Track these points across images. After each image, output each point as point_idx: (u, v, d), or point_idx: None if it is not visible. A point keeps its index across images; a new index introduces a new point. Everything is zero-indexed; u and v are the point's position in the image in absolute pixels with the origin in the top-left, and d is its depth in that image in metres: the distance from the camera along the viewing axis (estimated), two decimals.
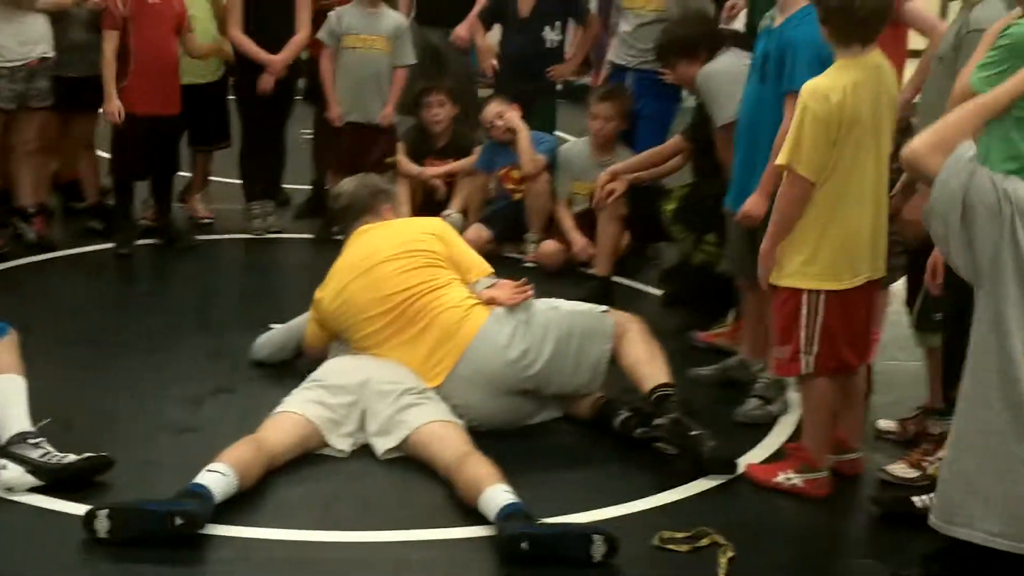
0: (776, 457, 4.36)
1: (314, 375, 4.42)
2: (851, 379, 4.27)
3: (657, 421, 4.25)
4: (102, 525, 3.51)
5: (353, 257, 4.70)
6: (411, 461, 4.16)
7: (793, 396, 4.85)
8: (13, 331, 4.10)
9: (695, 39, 5.58)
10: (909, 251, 4.40)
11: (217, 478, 3.70)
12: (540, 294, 4.66)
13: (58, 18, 6.33)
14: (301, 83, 7.47)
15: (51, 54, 6.26)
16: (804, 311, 4.00)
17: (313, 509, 3.84)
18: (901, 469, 4.24)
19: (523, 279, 4.63)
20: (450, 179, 7.28)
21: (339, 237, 5.10)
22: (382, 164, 6.94)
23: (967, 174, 2.38)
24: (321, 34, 6.80)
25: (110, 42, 6.24)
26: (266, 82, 6.73)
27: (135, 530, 3.51)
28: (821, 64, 4.37)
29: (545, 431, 4.57)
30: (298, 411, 4.18)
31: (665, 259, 6.89)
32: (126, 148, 6.38)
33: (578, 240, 6.70)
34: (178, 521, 3.51)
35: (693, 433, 4.18)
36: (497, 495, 3.71)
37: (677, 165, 6.37)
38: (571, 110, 8.57)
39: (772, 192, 4.49)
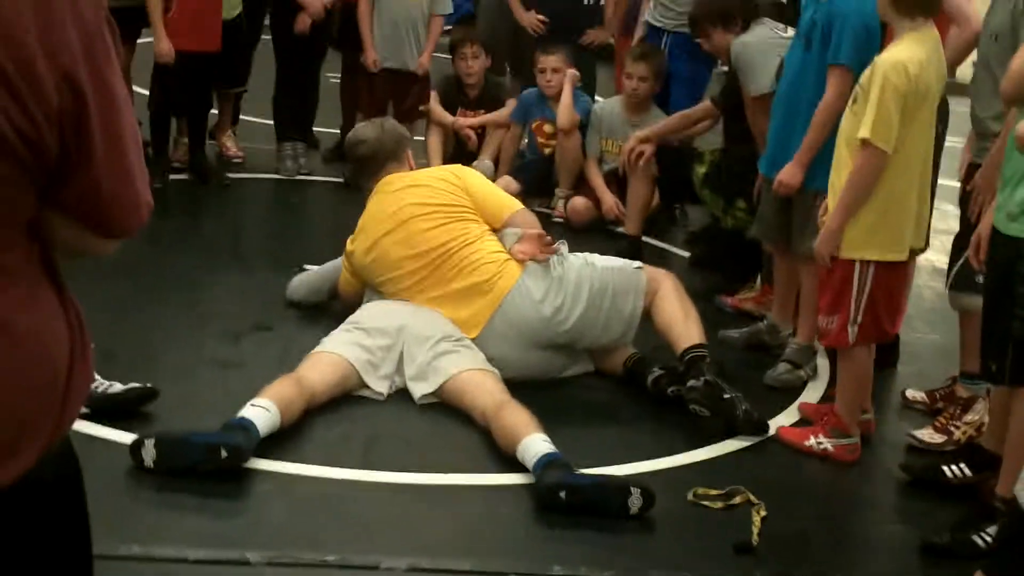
0: (801, 423, 4.42)
1: (353, 317, 4.47)
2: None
3: (691, 383, 4.29)
4: (148, 454, 3.56)
5: (383, 211, 4.70)
6: (447, 406, 4.21)
7: (822, 362, 4.91)
8: None
9: (730, 9, 5.58)
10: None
11: (261, 413, 3.75)
12: (570, 250, 4.69)
13: None
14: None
15: None
16: (856, 282, 4.04)
17: (354, 448, 3.89)
18: (928, 435, 4.32)
19: (562, 243, 4.64)
20: (481, 130, 7.30)
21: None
22: (415, 112, 6.97)
23: None
24: None
25: None
26: (303, 22, 6.72)
27: (181, 460, 3.56)
28: (868, 37, 4.40)
29: (577, 385, 4.63)
30: (337, 351, 4.23)
31: (693, 221, 6.94)
32: (166, 83, 6.39)
33: (607, 198, 6.73)
34: (224, 453, 3.56)
35: (727, 396, 4.23)
36: (536, 443, 3.76)
37: (705, 127, 6.40)
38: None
39: (808, 162, 4.54)
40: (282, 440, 3.82)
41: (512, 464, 3.81)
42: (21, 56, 1.40)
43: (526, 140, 7.22)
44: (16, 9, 1.40)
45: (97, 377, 3.88)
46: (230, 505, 3.54)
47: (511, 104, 7.20)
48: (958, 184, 4.62)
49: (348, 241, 4.76)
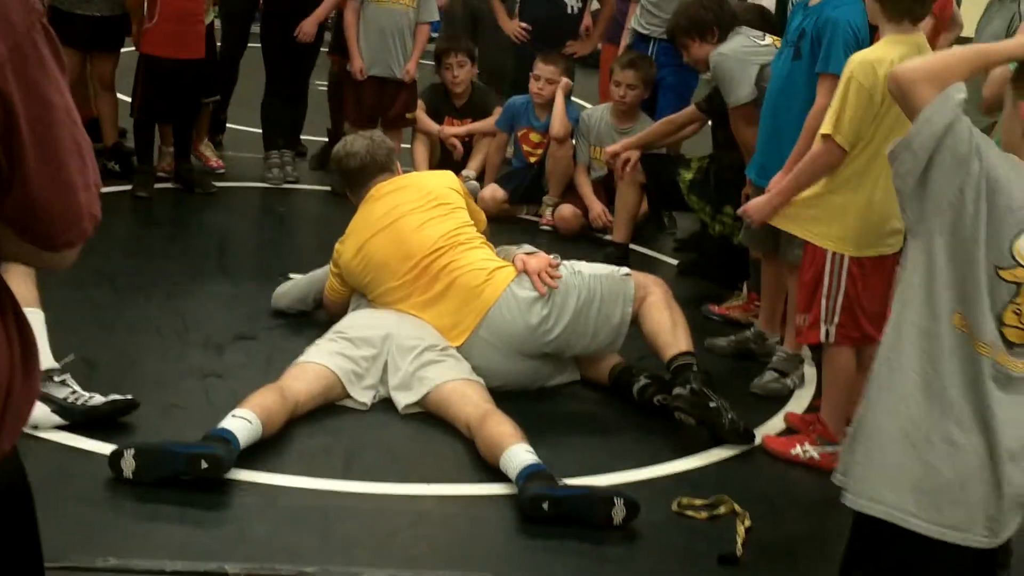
0: (787, 433, 4.40)
1: (337, 327, 4.44)
2: (864, 350, 4.30)
3: (676, 391, 4.26)
4: (128, 465, 3.52)
5: (374, 214, 4.68)
6: (431, 416, 4.19)
7: (809, 371, 4.89)
8: None
9: (705, 21, 5.50)
10: None
11: (242, 424, 3.72)
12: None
13: None
14: (327, 36, 7.45)
15: None
16: (826, 279, 4.05)
17: (336, 459, 3.86)
18: None
19: (555, 257, 4.60)
20: (468, 139, 7.29)
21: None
22: (402, 119, 6.96)
23: (953, 116, 2.31)
24: None
25: None
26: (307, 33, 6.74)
27: (160, 471, 3.52)
28: (858, 46, 4.38)
29: (563, 394, 4.61)
30: (321, 361, 4.20)
31: (681, 228, 6.93)
32: (151, 91, 6.36)
33: (595, 206, 6.72)
34: (204, 464, 3.52)
35: (712, 405, 4.21)
36: (519, 454, 3.73)
37: (691, 132, 6.39)
38: (581, 75, 8.56)
39: None
40: (264, 451, 3.78)
41: (496, 475, 3.78)
42: None
43: (512, 148, 7.20)
44: None
45: (76, 387, 3.86)
46: (210, 516, 3.50)
47: (498, 113, 7.19)
48: None
49: (337, 243, 4.74)
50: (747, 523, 3.65)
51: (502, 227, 6.24)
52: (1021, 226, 2.32)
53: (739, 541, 3.55)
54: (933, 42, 5.01)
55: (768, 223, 4.71)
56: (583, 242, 6.45)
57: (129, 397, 3.91)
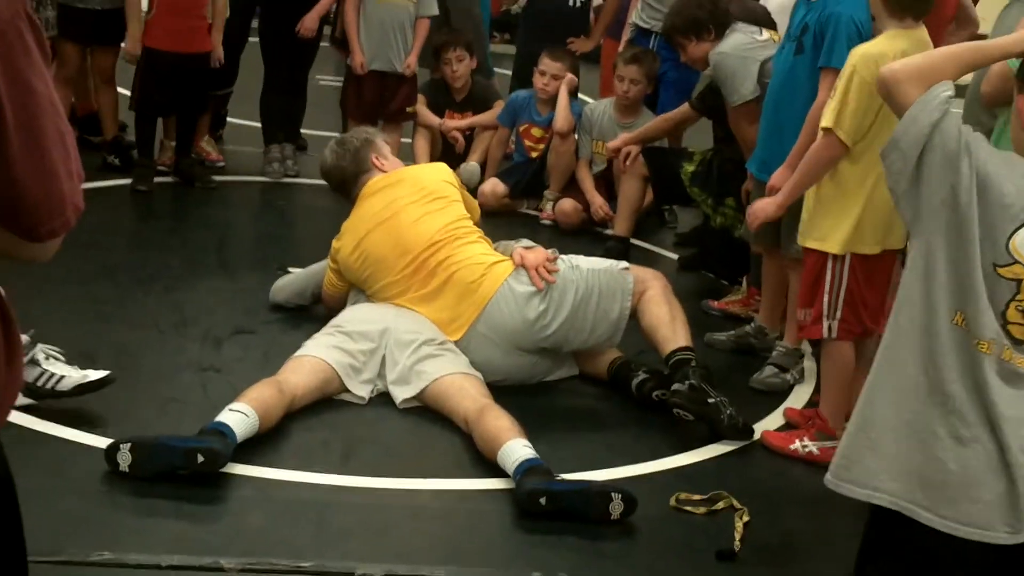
0: (787, 428, 4.38)
1: (335, 321, 4.43)
2: (864, 344, 4.29)
3: (675, 387, 4.25)
4: (124, 458, 3.51)
5: (370, 210, 4.67)
6: (429, 411, 4.18)
7: (809, 366, 4.88)
8: None
9: (701, 19, 5.43)
10: None
11: (239, 418, 3.71)
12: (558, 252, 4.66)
13: None
14: (326, 30, 7.43)
15: None
16: (828, 275, 4.04)
17: (333, 453, 3.85)
18: None
19: (553, 252, 4.59)
20: (469, 132, 7.28)
21: None
22: (402, 114, 6.95)
23: (939, 114, 2.29)
24: None
25: None
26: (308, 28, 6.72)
27: (157, 465, 3.51)
28: (861, 40, 4.35)
29: (562, 390, 4.59)
30: (319, 355, 4.19)
31: (682, 223, 6.92)
32: (150, 84, 6.34)
33: (596, 200, 6.70)
34: (200, 458, 3.51)
35: (711, 401, 4.19)
36: (517, 449, 3.72)
37: (687, 126, 6.39)
38: (582, 70, 8.55)
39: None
40: (261, 445, 3.78)
41: (493, 469, 3.77)
42: None
43: (514, 142, 7.19)
44: None
45: (48, 369, 3.80)
46: (206, 510, 3.50)
47: (499, 106, 7.19)
48: None
49: (334, 240, 4.72)
50: (745, 518, 3.63)
51: (503, 221, 6.24)
52: (1017, 222, 2.29)
53: (737, 537, 3.54)
54: (939, 38, 4.98)
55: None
56: (584, 236, 6.44)
57: (104, 374, 3.85)
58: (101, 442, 3.61)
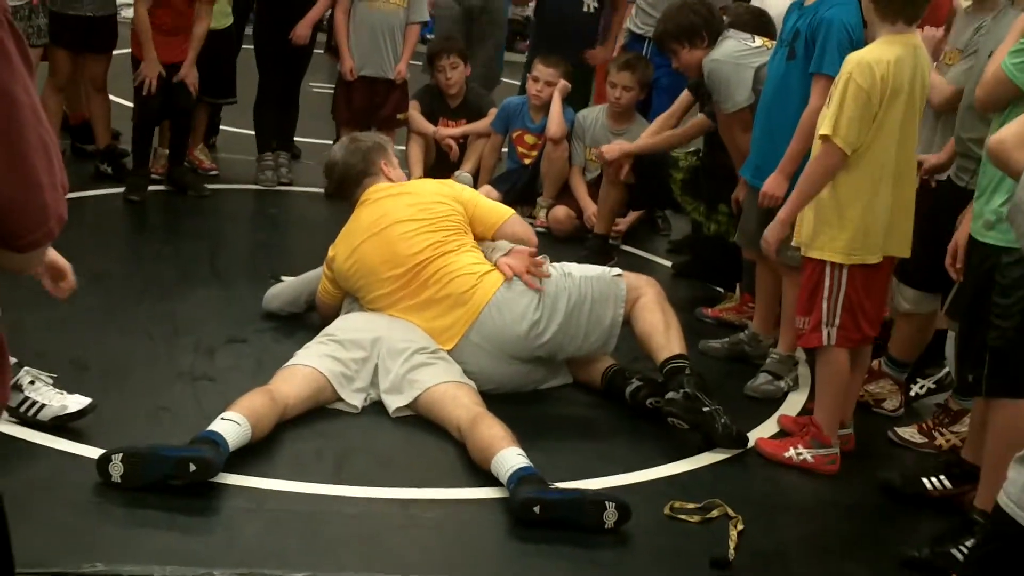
0: (781, 434, 4.38)
1: (328, 329, 4.42)
2: (860, 352, 4.28)
3: (670, 395, 4.24)
4: (116, 469, 3.49)
5: (366, 219, 4.65)
6: (422, 420, 4.16)
7: (803, 373, 4.87)
8: None
9: (693, 26, 5.40)
10: None
11: (231, 427, 3.69)
12: (550, 259, 4.64)
13: None
14: (320, 37, 7.43)
15: None
16: (827, 282, 4.03)
17: (326, 463, 3.83)
18: (910, 433, 4.33)
19: (539, 253, 4.58)
20: (463, 140, 7.27)
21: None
22: (393, 120, 6.94)
23: None
24: None
25: (141, 4, 6.22)
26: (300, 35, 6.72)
27: (149, 475, 3.49)
28: (852, 46, 4.37)
29: (555, 398, 4.58)
30: (311, 364, 4.17)
31: (675, 230, 6.92)
32: (147, 96, 6.33)
33: (590, 207, 6.70)
34: (192, 467, 3.49)
35: (706, 409, 4.18)
36: (510, 458, 3.71)
37: (694, 133, 6.35)
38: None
39: (792, 173, 4.51)
40: (253, 454, 3.75)
41: (487, 478, 3.76)
42: None
43: (506, 149, 7.19)
44: None
45: (31, 396, 3.76)
46: (198, 521, 3.47)
47: (492, 114, 7.18)
48: None
49: (330, 248, 4.71)
50: (740, 527, 3.63)
51: None
52: None
53: (731, 545, 3.53)
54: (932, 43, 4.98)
55: (764, 223, 4.71)
56: (576, 243, 6.43)
57: (84, 405, 3.80)
58: (93, 452, 3.59)
